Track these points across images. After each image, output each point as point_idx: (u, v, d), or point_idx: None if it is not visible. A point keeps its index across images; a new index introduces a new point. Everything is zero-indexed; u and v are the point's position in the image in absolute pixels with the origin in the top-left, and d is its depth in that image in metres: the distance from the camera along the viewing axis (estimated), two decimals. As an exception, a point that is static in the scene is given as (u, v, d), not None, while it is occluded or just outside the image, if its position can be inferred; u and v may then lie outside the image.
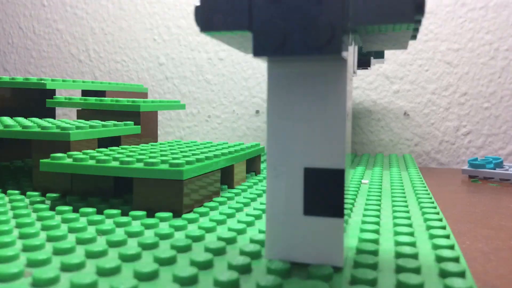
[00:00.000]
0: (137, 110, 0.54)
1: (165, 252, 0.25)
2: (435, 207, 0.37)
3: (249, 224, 0.32)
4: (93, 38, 0.95)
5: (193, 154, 0.42)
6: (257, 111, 0.86)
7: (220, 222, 0.33)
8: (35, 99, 0.70)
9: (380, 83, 0.81)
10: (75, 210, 0.36)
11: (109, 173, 0.36)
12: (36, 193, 0.41)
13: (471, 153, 0.78)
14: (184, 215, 0.34)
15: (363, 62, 0.64)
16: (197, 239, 0.29)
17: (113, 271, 0.23)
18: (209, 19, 0.22)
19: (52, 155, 0.39)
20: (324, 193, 0.24)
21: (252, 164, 0.56)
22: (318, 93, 0.23)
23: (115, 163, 0.37)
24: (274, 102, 0.24)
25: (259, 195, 0.43)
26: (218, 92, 0.88)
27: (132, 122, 0.53)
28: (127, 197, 0.41)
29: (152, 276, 0.22)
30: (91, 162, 0.38)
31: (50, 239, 0.28)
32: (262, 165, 0.62)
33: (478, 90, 0.77)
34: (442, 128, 0.79)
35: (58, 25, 0.96)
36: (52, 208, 0.37)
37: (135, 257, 0.25)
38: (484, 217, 0.40)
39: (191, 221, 0.33)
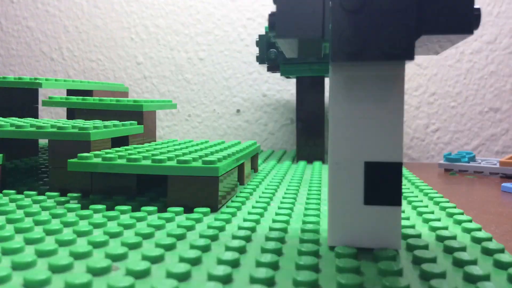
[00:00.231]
0: (140, 110, 0.54)
1: (233, 242, 0.27)
2: (441, 196, 0.41)
3: (289, 215, 0.34)
4: (67, 36, 0.93)
5: (212, 153, 0.44)
6: (238, 110, 0.88)
7: (260, 215, 0.35)
8: (16, 98, 0.68)
9: (356, 83, 0.85)
10: (109, 209, 0.37)
11: (142, 171, 0.37)
12: (56, 193, 0.41)
13: (439, 149, 0.84)
14: (222, 210, 0.36)
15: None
16: (252, 229, 0.30)
17: (197, 260, 0.24)
18: (285, 26, 0.24)
19: (79, 155, 0.39)
20: (383, 184, 0.26)
21: (251, 162, 0.58)
22: (378, 93, 0.26)
23: (147, 162, 0.38)
24: (337, 102, 0.26)
25: (276, 190, 0.45)
26: (198, 91, 0.89)
27: (136, 122, 0.53)
28: (149, 195, 0.42)
29: (236, 263, 0.24)
30: (121, 161, 0.38)
31: (112, 235, 0.29)
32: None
33: (445, 90, 0.83)
34: (413, 126, 0.84)
35: (28, 22, 0.93)
36: (84, 207, 0.37)
37: (207, 248, 0.27)
38: (481, 205, 0.44)
39: (233, 214, 0.35)
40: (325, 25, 0.24)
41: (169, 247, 0.27)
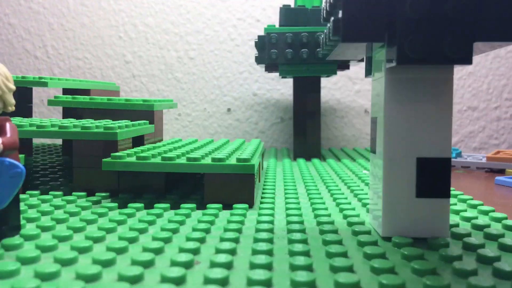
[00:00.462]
0: (151, 110, 0.55)
1: (295, 235, 0.28)
2: (453, 189, 0.44)
3: (326, 209, 0.36)
4: (51, 34, 0.91)
5: (234, 151, 0.45)
6: (229, 109, 0.89)
7: (298, 209, 0.36)
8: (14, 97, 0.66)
9: (344, 83, 0.88)
10: (147, 207, 0.37)
11: (179, 169, 0.38)
12: (82, 193, 0.41)
13: (422, 145, 0.88)
14: (260, 206, 0.37)
15: (344, 66, 0.70)
16: (301, 222, 0.32)
17: (270, 252, 0.26)
18: (351, 31, 0.26)
19: (112, 154, 0.39)
20: (434, 178, 0.29)
21: (258, 160, 0.60)
22: (430, 94, 0.28)
23: (182, 160, 0.39)
24: (391, 102, 0.28)
25: (295, 186, 0.46)
26: (189, 90, 0.90)
27: (148, 121, 0.54)
28: (177, 193, 0.42)
29: (307, 253, 0.26)
30: (155, 159, 0.39)
31: (173, 231, 0.30)
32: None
33: (427, 90, 0.88)
34: (397, 124, 0.88)
35: (10, 19, 0.91)
36: (121, 206, 0.37)
37: (269, 240, 0.28)
38: (484, 197, 0.47)
39: (272, 209, 0.36)
40: (389, 31, 0.26)
41: (236, 240, 0.28)
